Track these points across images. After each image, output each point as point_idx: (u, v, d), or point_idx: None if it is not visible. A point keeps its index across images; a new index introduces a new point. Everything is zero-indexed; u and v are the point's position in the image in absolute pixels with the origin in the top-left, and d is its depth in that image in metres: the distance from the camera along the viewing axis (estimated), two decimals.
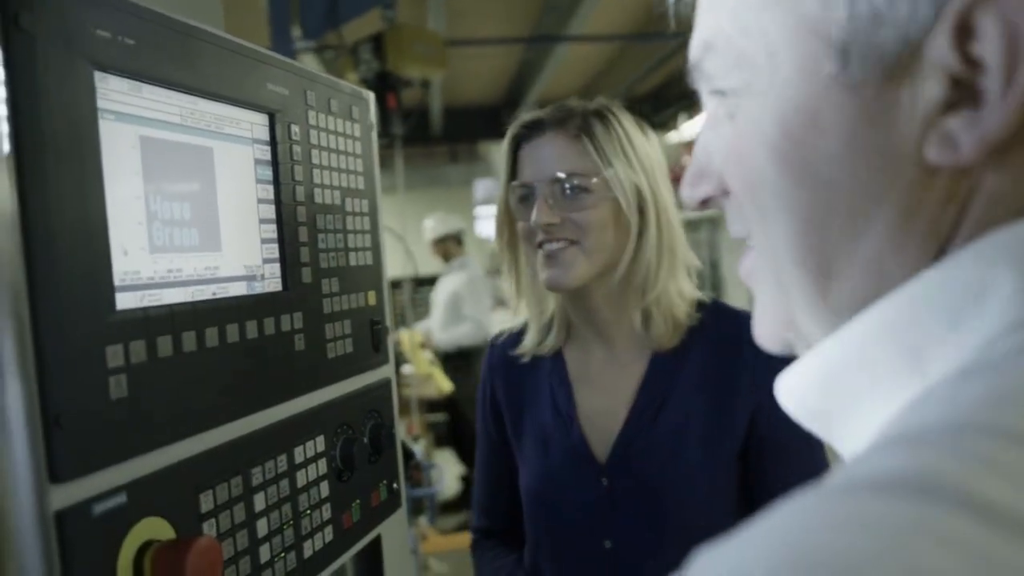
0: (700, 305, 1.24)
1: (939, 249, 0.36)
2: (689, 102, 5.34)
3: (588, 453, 1.21)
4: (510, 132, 1.24)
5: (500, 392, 1.34)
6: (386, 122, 3.29)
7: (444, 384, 4.72)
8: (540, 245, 1.18)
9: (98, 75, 0.61)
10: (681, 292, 1.22)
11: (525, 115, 1.22)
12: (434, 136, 8.17)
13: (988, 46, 0.32)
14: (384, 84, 3.29)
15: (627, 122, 1.18)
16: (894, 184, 0.36)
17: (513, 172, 1.24)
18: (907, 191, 0.36)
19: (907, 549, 0.22)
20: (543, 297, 1.30)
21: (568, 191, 1.15)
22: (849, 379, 0.38)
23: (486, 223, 11.96)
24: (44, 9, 0.56)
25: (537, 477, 1.26)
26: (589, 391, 1.26)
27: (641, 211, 1.16)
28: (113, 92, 0.63)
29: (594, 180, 1.14)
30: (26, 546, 0.53)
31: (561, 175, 1.15)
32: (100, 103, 0.61)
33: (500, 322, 7.31)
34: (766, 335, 0.46)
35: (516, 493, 1.35)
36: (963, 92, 0.34)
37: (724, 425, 1.16)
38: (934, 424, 0.27)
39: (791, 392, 0.42)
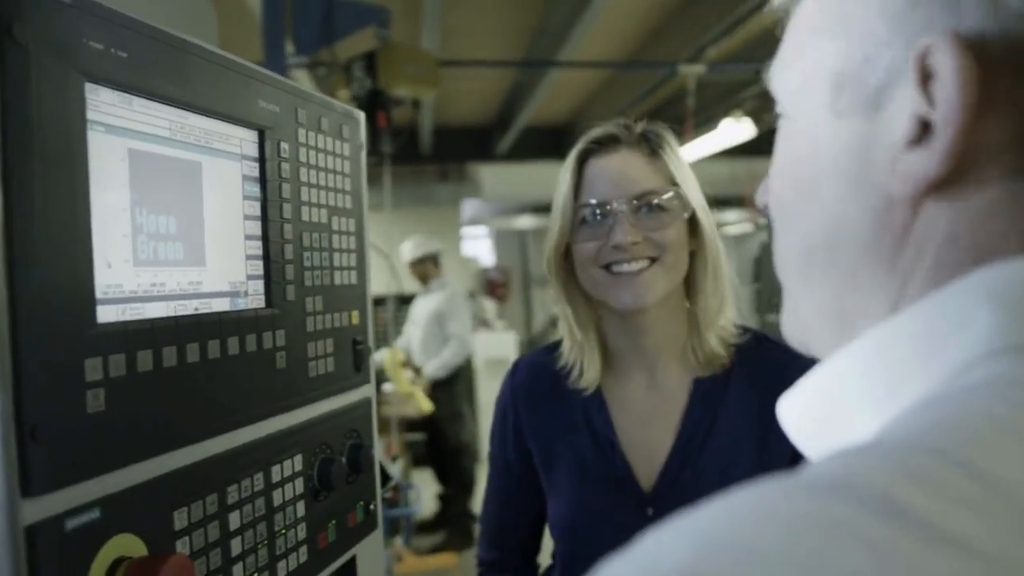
0: (743, 331, 1.23)
1: (902, 281, 0.39)
2: (678, 129, 5.37)
3: (633, 482, 1.17)
4: (578, 147, 1.19)
5: (525, 419, 1.27)
6: (376, 140, 3.29)
7: (424, 404, 4.70)
8: (608, 266, 1.14)
9: (89, 86, 0.61)
10: (727, 315, 1.21)
11: (595, 130, 1.20)
12: (423, 155, 8.18)
13: (940, 86, 0.35)
14: (375, 102, 3.30)
15: (676, 143, 1.20)
16: (864, 213, 0.40)
17: (577, 188, 1.19)
18: (874, 221, 0.39)
19: (816, 541, 0.23)
20: (590, 324, 1.25)
21: (647, 209, 1.13)
22: (837, 406, 0.41)
23: (472, 243, 11.99)
24: (37, 20, 0.56)
25: (572, 507, 1.20)
26: (629, 418, 1.22)
27: (693, 231, 1.18)
28: (103, 104, 0.63)
29: (671, 198, 1.14)
30: None
31: (642, 192, 1.13)
32: (90, 115, 0.61)
33: (482, 344, 7.31)
34: (787, 333, 0.50)
35: (533, 525, 1.30)
36: (926, 131, 0.37)
37: (772, 450, 1.13)
38: (881, 442, 0.29)
39: (789, 414, 0.46)
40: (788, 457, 1.13)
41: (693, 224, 1.17)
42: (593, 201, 1.16)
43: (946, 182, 0.36)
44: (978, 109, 0.35)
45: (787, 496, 0.26)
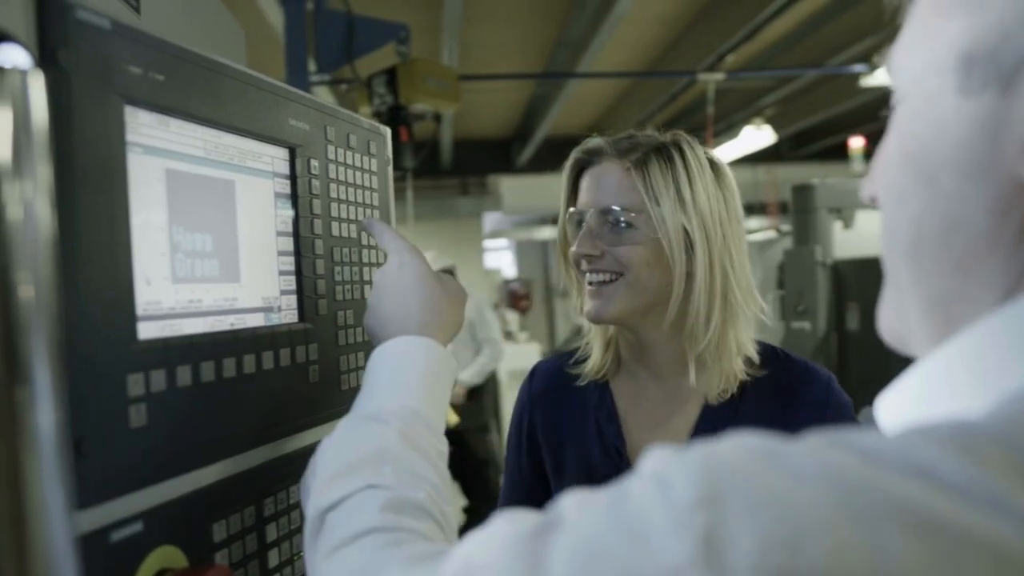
0: (761, 351, 1.18)
1: (1020, 271, 0.38)
2: (699, 138, 5.36)
3: None
4: (572, 156, 1.19)
5: (540, 424, 1.26)
6: (398, 155, 3.32)
7: (451, 417, 4.70)
8: (584, 274, 1.15)
9: (128, 109, 0.63)
10: (740, 344, 1.15)
11: (589, 141, 1.18)
12: (444, 169, 8.22)
13: None
14: (397, 117, 3.32)
15: (694, 159, 1.12)
16: (989, 196, 0.38)
17: (573, 198, 1.20)
18: (999, 205, 0.38)
19: (840, 492, 0.26)
20: None
21: (615, 224, 1.11)
22: (939, 402, 0.39)
23: (494, 255, 12.02)
24: (80, 46, 0.57)
25: None
26: (639, 427, 1.20)
27: (692, 253, 1.11)
28: (142, 126, 0.65)
29: (640, 216, 1.10)
30: (46, 573, 0.54)
31: (608, 207, 1.11)
32: (129, 136, 0.63)
33: (506, 355, 7.29)
34: (884, 327, 0.48)
35: None
36: None
37: None
38: (948, 423, 0.30)
39: (889, 409, 0.44)
40: None
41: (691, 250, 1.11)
42: (576, 209, 1.17)
43: None
44: None
45: (837, 452, 0.28)
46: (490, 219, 10.13)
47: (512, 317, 9.30)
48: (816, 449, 0.29)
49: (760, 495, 0.27)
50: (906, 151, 0.43)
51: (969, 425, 0.29)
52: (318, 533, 0.61)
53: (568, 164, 1.20)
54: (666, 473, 0.30)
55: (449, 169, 8.31)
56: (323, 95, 5.06)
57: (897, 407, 0.42)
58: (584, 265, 1.14)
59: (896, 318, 0.46)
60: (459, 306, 0.86)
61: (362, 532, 0.58)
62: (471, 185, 8.98)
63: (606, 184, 1.13)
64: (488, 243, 10.88)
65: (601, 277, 1.12)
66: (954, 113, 0.39)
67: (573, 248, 1.14)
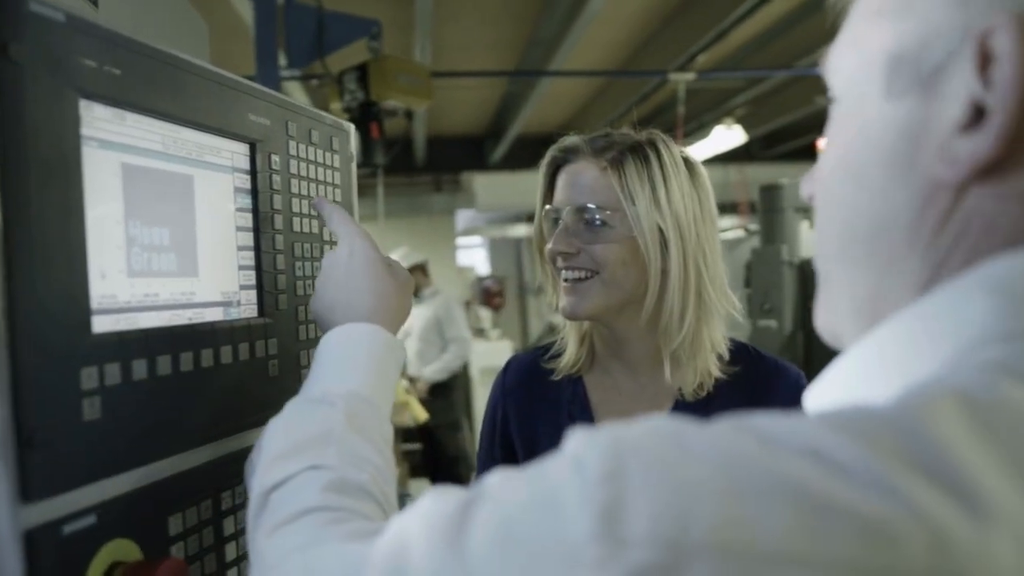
0: (734, 349, 1.20)
1: (937, 264, 0.39)
2: (669, 136, 5.40)
3: None
4: (549, 154, 1.20)
5: (513, 418, 1.28)
6: (369, 152, 3.30)
7: (420, 413, 4.70)
8: (560, 271, 1.16)
9: (83, 103, 0.63)
10: (714, 342, 1.17)
11: (566, 139, 1.19)
12: (418, 165, 8.20)
13: (998, 68, 0.36)
14: (368, 114, 3.31)
15: (669, 158, 1.13)
16: (910, 196, 0.40)
17: (549, 194, 1.21)
18: (917, 206, 0.40)
19: (731, 471, 0.29)
20: None
21: (590, 222, 1.13)
22: (858, 392, 0.41)
23: (467, 253, 12.01)
24: (33, 40, 0.57)
25: None
26: (612, 421, 1.20)
27: (666, 251, 1.12)
28: (97, 120, 0.65)
29: (616, 215, 1.11)
30: None
31: (584, 205, 1.13)
32: (84, 130, 0.63)
33: (478, 352, 7.30)
34: (820, 325, 0.49)
35: None
36: (979, 116, 0.37)
37: None
38: (850, 409, 0.32)
39: (816, 399, 0.46)
40: None
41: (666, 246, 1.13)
42: (548, 207, 1.19)
43: (993, 169, 0.37)
44: None
45: (740, 434, 0.31)
46: (463, 216, 10.12)
47: (485, 314, 9.29)
48: (719, 432, 0.31)
49: (658, 473, 0.29)
50: (837, 152, 0.44)
51: (867, 411, 0.31)
52: (261, 511, 0.62)
53: (544, 162, 1.21)
54: (580, 452, 0.33)
55: (423, 166, 8.29)
56: (295, 91, 5.03)
57: (822, 397, 0.44)
58: (560, 262, 1.15)
59: (830, 316, 0.48)
60: (407, 292, 0.86)
61: (304, 511, 0.59)
62: (444, 182, 8.97)
63: (582, 182, 1.14)
64: (461, 240, 10.87)
65: (576, 274, 1.14)
66: (879, 115, 0.41)
67: (549, 245, 1.15)
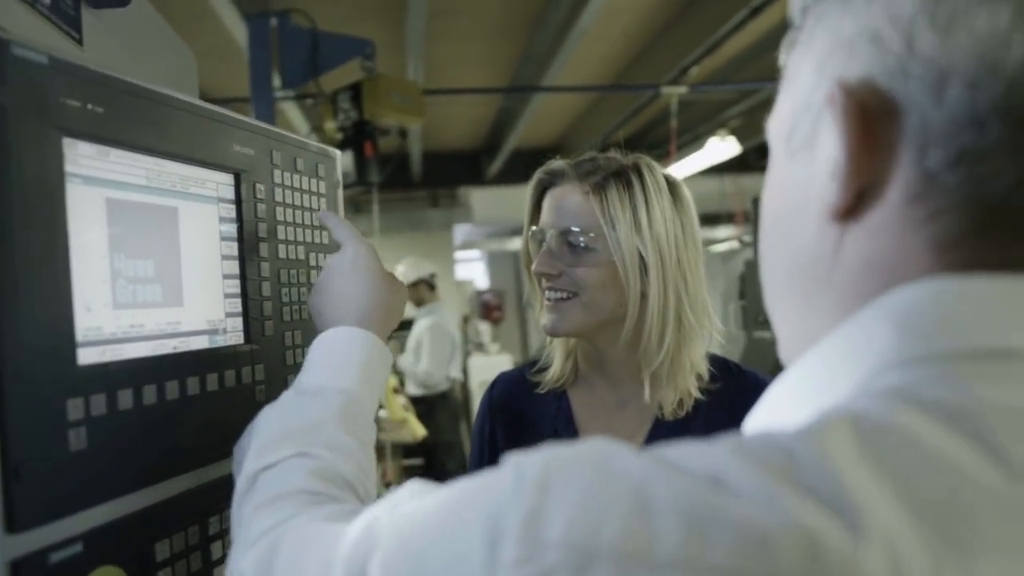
0: (715, 365, 1.22)
1: (844, 299, 0.43)
2: (662, 151, 5.44)
3: None
4: (535, 177, 1.24)
5: (500, 432, 1.30)
6: (363, 170, 3.33)
7: (418, 430, 4.71)
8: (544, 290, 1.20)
9: (67, 141, 0.65)
10: (694, 363, 1.18)
11: (552, 163, 1.22)
12: (414, 181, 8.23)
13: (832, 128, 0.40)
14: (362, 132, 3.34)
15: (652, 183, 1.15)
16: (810, 240, 0.44)
17: (535, 215, 1.26)
18: (815, 249, 0.44)
19: (639, 491, 0.32)
20: None
21: (573, 245, 1.15)
22: (779, 421, 0.44)
23: (466, 267, 12.02)
24: (17, 82, 0.59)
25: None
26: (594, 433, 1.23)
27: (646, 275, 1.14)
28: (81, 157, 0.67)
29: (597, 239, 1.13)
30: None
31: (567, 228, 1.15)
32: (68, 167, 0.65)
33: (478, 366, 7.29)
34: (781, 357, 0.53)
35: None
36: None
37: None
38: (758, 435, 0.36)
39: (753, 425, 0.49)
40: None
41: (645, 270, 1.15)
42: (535, 228, 1.22)
43: (857, 211, 0.41)
44: (866, 145, 0.39)
45: (650, 461, 0.35)
46: (461, 231, 10.14)
47: (485, 328, 9.31)
48: (639, 460, 0.35)
49: (579, 488, 0.34)
50: (767, 203, 0.49)
51: (771, 437, 0.35)
52: (249, 490, 0.67)
53: (531, 184, 1.24)
54: (521, 463, 0.37)
55: (419, 181, 8.32)
56: (290, 111, 5.06)
57: (756, 423, 0.48)
58: (543, 283, 1.18)
59: (782, 351, 0.51)
60: (402, 301, 0.92)
61: (289, 492, 0.64)
62: (441, 197, 8.99)
63: (566, 206, 1.17)
64: (460, 254, 10.89)
65: (558, 295, 1.16)
66: (787, 172, 0.46)
67: (534, 265, 1.18)
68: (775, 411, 0.45)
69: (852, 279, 0.42)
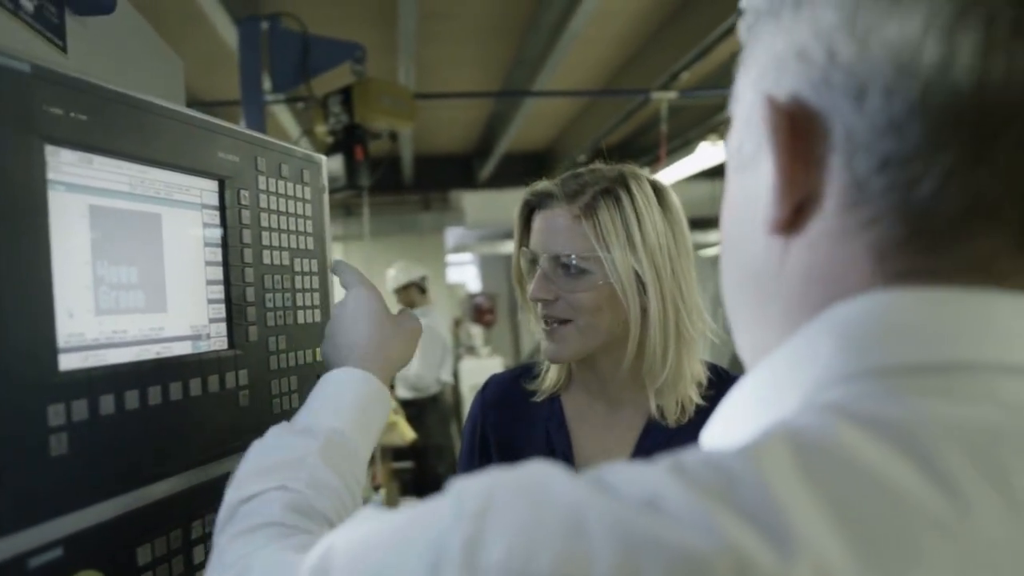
0: (710, 373, 1.23)
1: (791, 311, 0.44)
2: (652, 156, 5.45)
3: None
4: (523, 198, 1.23)
5: (491, 432, 1.31)
6: (353, 173, 3.33)
7: (408, 433, 4.72)
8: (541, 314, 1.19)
9: (49, 149, 0.65)
10: (694, 372, 1.20)
11: (539, 184, 1.21)
12: (406, 184, 8.23)
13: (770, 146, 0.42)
14: (352, 136, 3.34)
15: (641, 196, 1.14)
16: (757, 253, 0.45)
17: (525, 235, 1.24)
18: (762, 262, 0.45)
19: (574, 517, 0.33)
20: None
21: (567, 268, 1.14)
22: (730, 435, 0.45)
23: (458, 270, 12.03)
24: None
25: None
26: (587, 438, 1.25)
27: (644, 292, 1.14)
28: (64, 164, 0.67)
29: (592, 262, 1.13)
30: None
31: (560, 253, 1.15)
32: (50, 175, 0.65)
33: (469, 370, 7.29)
34: (743, 362, 0.54)
35: None
36: None
37: None
38: (700, 455, 0.36)
39: (708, 439, 0.50)
40: None
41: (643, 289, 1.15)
42: (526, 250, 1.22)
43: (797, 224, 0.42)
44: (798, 159, 0.40)
45: (591, 484, 0.35)
46: (453, 234, 10.15)
47: (476, 331, 9.32)
48: (577, 483, 0.35)
49: (516, 513, 0.34)
50: (722, 218, 0.50)
51: (710, 457, 0.35)
52: (229, 520, 0.68)
53: (519, 205, 1.24)
54: (463, 490, 0.37)
55: (411, 185, 8.32)
56: (281, 114, 5.06)
57: (711, 437, 0.49)
58: (540, 309, 1.18)
59: (743, 357, 0.52)
60: (410, 342, 0.94)
61: (263, 523, 0.66)
62: (433, 200, 8.99)
63: (556, 230, 1.16)
64: (451, 257, 10.90)
65: (554, 321, 1.17)
66: (737, 187, 0.47)
67: (531, 292, 1.17)
68: (729, 423, 0.46)
69: (797, 291, 0.43)
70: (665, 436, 1.20)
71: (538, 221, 1.20)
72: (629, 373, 1.20)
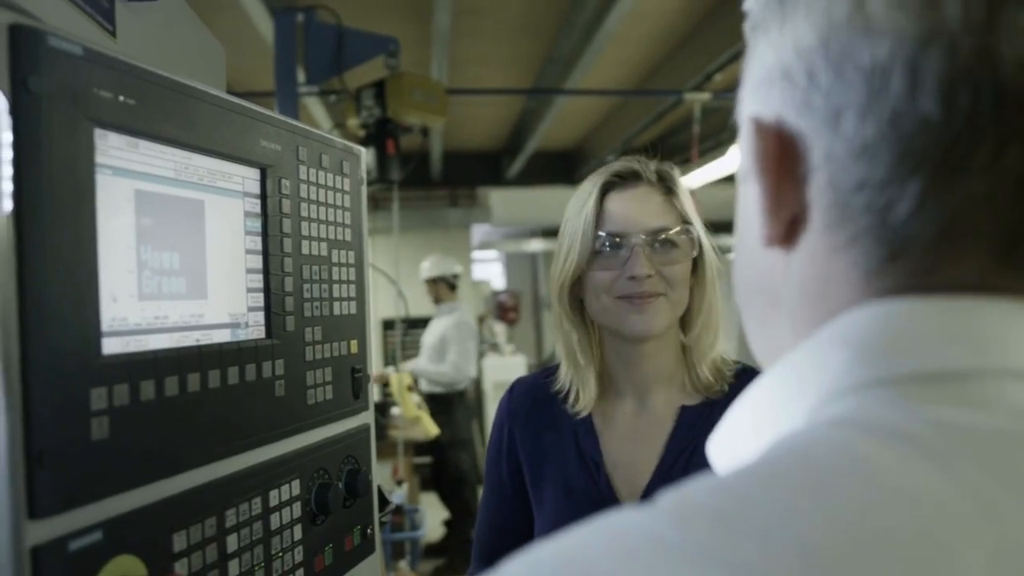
0: (737, 365, 1.27)
1: (796, 322, 0.44)
2: (684, 157, 5.41)
3: (615, 501, 1.21)
4: (600, 179, 1.24)
5: (519, 439, 1.32)
6: (385, 167, 3.34)
7: (431, 428, 4.72)
8: (622, 296, 1.19)
9: (98, 132, 0.65)
10: (718, 348, 1.26)
11: (616, 164, 1.25)
12: (434, 180, 8.25)
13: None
14: (384, 130, 3.35)
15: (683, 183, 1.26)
16: (763, 264, 0.46)
17: (599, 219, 1.23)
18: (765, 272, 0.46)
19: (615, 549, 0.32)
20: (591, 351, 1.30)
21: (659, 245, 1.20)
22: (737, 443, 0.46)
23: (483, 267, 12.03)
24: (51, 72, 0.60)
25: (558, 524, 1.22)
26: (616, 440, 1.26)
27: (694, 267, 1.24)
28: (112, 148, 0.67)
29: (683, 236, 1.20)
30: None
31: (659, 227, 1.19)
32: (99, 159, 0.65)
33: (492, 366, 7.30)
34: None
35: (524, 543, 1.34)
36: None
37: None
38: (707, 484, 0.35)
39: (713, 451, 0.49)
40: None
41: (695, 260, 1.23)
42: (612, 232, 1.20)
43: (793, 238, 0.42)
44: (784, 177, 0.41)
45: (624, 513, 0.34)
46: (479, 231, 10.15)
47: (500, 329, 9.32)
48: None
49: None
50: (736, 225, 0.50)
51: (722, 484, 0.33)
52: None
53: (596, 187, 1.24)
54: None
55: (439, 180, 8.35)
56: (313, 107, 5.08)
57: (715, 450, 0.49)
58: (632, 287, 1.18)
59: (757, 360, 0.52)
60: None
61: None
62: (461, 196, 9.00)
63: (648, 207, 1.21)
64: (477, 254, 10.91)
65: (651, 296, 1.19)
66: (744, 198, 0.47)
67: (632, 270, 1.18)
68: (738, 432, 0.46)
69: (799, 302, 0.43)
70: (696, 435, 1.20)
71: (620, 201, 1.22)
72: (674, 351, 1.26)
